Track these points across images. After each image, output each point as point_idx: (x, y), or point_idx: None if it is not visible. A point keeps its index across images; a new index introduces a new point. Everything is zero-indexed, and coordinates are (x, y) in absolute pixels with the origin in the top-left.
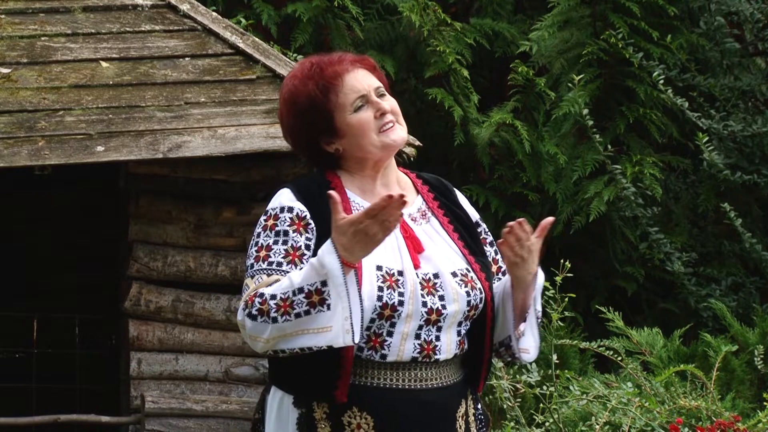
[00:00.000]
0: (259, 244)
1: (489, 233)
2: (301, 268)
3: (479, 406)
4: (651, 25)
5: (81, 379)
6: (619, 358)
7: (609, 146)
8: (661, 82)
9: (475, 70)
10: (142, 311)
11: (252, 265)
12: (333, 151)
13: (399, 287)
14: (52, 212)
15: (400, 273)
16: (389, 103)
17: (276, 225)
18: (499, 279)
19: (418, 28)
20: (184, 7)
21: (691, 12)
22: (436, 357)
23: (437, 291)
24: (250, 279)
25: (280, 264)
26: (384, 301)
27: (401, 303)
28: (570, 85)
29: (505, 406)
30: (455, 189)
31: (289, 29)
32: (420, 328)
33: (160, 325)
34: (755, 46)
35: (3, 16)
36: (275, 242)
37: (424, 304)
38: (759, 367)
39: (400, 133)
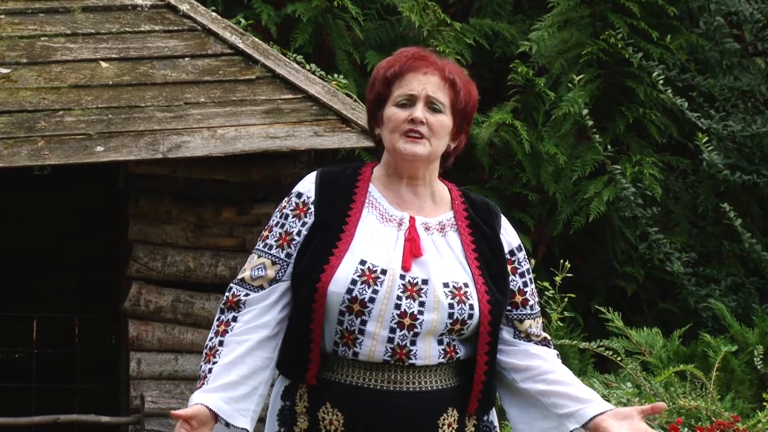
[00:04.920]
0: (269, 224)
1: (525, 263)
2: (288, 254)
3: (487, 418)
4: (651, 25)
5: (81, 379)
6: (619, 359)
7: (609, 146)
8: (661, 82)
9: (474, 70)
10: (142, 311)
11: (257, 242)
12: (378, 136)
13: (375, 285)
14: (52, 212)
15: (384, 272)
16: (434, 118)
17: (284, 208)
18: (525, 312)
19: (417, 28)
20: (184, 7)
21: (691, 12)
22: (410, 362)
23: (419, 297)
24: (253, 255)
25: (270, 247)
26: (354, 295)
27: (372, 300)
28: (570, 85)
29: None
30: (502, 216)
31: (288, 29)
32: (393, 331)
33: (159, 325)
34: (755, 46)
35: (3, 16)
36: (276, 224)
37: (398, 306)
38: (758, 367)
39: (417, 148)
